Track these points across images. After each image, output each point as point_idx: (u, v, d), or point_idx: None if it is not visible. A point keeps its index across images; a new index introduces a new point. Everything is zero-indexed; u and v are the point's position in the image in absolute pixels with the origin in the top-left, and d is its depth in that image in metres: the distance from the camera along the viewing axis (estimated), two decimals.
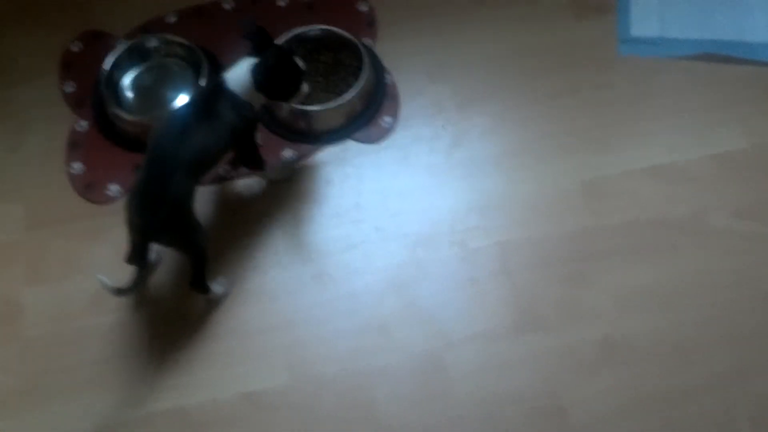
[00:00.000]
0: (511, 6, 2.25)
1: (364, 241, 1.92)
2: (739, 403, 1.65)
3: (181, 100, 2.13)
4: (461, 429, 1.67)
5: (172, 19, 2.30)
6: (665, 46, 2.15)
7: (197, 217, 1.73)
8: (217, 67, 2.17)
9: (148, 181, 1.65)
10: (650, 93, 2.09)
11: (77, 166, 2.09)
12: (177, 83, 2.17)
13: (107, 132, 2.13)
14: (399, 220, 1.95)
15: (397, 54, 2.19)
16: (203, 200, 1.91)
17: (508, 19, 2.23)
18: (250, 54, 1.72)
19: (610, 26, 2.20)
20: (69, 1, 2.35)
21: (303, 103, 2.06)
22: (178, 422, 1.72)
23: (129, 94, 2.18)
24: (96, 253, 1.94)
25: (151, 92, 2.17)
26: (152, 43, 2.19)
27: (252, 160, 1.90)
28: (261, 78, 1.69)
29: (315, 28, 2.15)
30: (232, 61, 1.76)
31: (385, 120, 2.10)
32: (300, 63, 1.76)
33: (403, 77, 2.16)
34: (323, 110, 2.04)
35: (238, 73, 1.71)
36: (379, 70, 2.16)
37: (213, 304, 1.85)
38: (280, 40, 2.11)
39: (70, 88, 2.21)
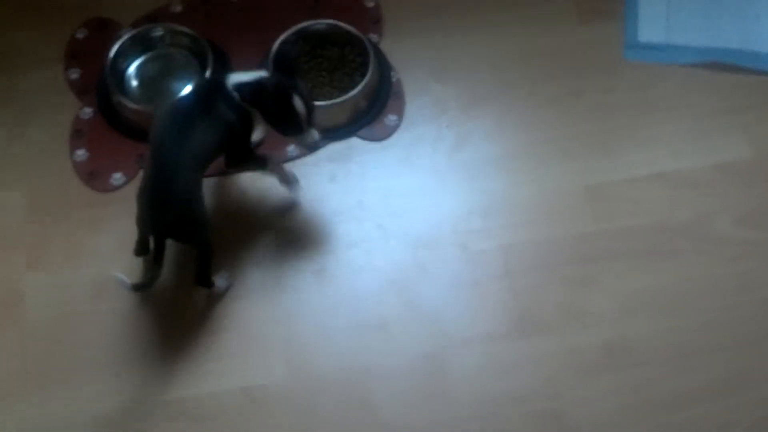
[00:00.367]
0: (517, 9, 2.25)
1: (366, 239, 1.93)
2: (739, 408, 1.66)
3: (186, 90, 2.12)
4: (460, 429, 1.68)
5: (178, 9, 2.29)
6: (671, 53, 2.16)
7: (206, 210, 1.74)
8: (222, 59, 2.18)
9: (156, 179, 1.65)
10: (654, 99, 2.09)
11: (81, 154, 2.08)
12: (181, 73, 2.17)
13: (111, 120, 2.13)
14: (401, 219, 1.95)
15: (402, 52, 2.19)
16: (205, 193, 1.90)
17: (514, 22, 2.23)
18: (264, 68, 1.72)
19: (615, 31, 2.20)
20: None
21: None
22: (176, 413, 1.73)
23: (134, 83, 2.18)
24: (98, 242, 1.94)
25: (156, 81, 2.17)
26: (157, 32, 2.19)
27: (241, 163, 1.87)
28: (248, 94, 1.68)
29: (321, 23, 2.14)
30: (242, 61, 1.75)
31: (390, 118, 2.10)
32: (299, 105, 1.68)
33: (408, 76, 2.16)
34: (328, 106, 2.04)
35: (245, 80, 1.70)
36: (384, 67, 2.16)
37: (213, 297, 1.85)
38: (286, 34, 2.11)
39: (74, 75, 2.21)
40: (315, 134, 1.73)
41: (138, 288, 1.74)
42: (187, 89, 1.99)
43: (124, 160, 2.06)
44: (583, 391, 1.69)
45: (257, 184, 2.00)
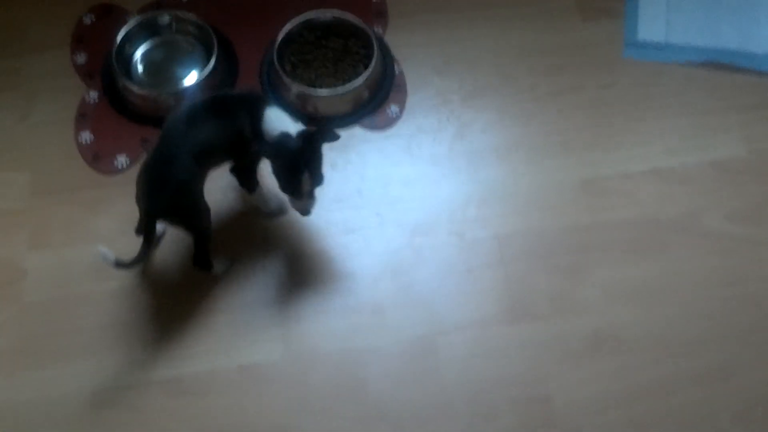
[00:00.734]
0: (520, 6, 2.28)
1: (364, 226, 1.96)
2: (722, 397, 1.70)
3: (191, 77, 2.16)
4: (449, 410, 1.71)
5: None
6: (670, 52, 2.19)
7: (204, 202, 1.76)
8: (227, 47, 2.21)
9: (156, 161, 1.68)
10: (652, 96, 2.13)
11: (86, 137, 2.11)
12: (186, 60, 2.20)
13: (116, 104, 2.16)
14: (399, 207, 1.98)
15: (405, 45, 2.22)
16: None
17: (516, 18, 2.26)
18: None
19: (616, 29, 2.23)
20: None
21: (311, 86, 2.10)
22: (173, 390, 1.76)
23: (139, 68, 2.21)
24: (100, 223, 1.97)
25: (161, 67, 2.21)
26: (164, 19, 2.22)
27: (245, 178, 1.87)
28: (269, 142, 1.65)
29: (326, 14, 2.18)
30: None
31: (392, 109, 2.14)
32: (306, 178, 1.65)
33: (410, 68, 2.19)
34: (331, 95, 2.08)
35: (280, 114, 1.69)
36: (387, 59, 2.20)
37: (213, 279, 1.88)
38: (291, 24, 2.14)
39: (81, 59, 2.24)
40: (310, 205, 1.71)
41: (121, 265, 1.74)
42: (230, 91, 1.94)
43: (128, 144, 2.10)
44: (570, 376, 1.73)
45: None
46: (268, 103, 1.72)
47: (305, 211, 1.72)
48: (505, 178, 2.01)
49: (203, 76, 2.09)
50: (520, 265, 1.87)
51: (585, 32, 2.24)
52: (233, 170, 1.87)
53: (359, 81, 2.07)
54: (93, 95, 2.18)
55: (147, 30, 2.21)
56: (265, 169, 1.78)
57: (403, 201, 1.99)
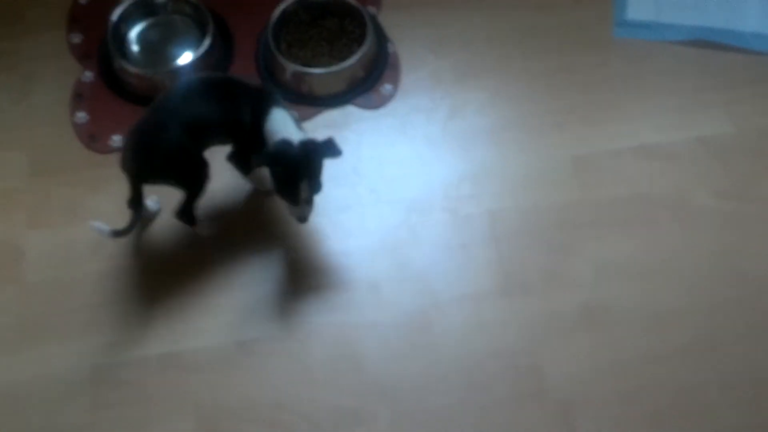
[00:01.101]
0: None
1: (359, 203, 1.99)
2: (709, 369, 1.73)
3: (186, 57, 2.17)
4: (443, 382, 1.75)
5: None
6: (659, 31, 2.22)
7: (196, 166, 1.76)
8: (223, 27, 2.22)
9: (145, 126, 1.70)
10: (642, 75, 2.15)
11: (82, 117, 2.13)
12: (182, 40, 2.21)
13: (112, 84, 2.17)
14: (394, 185, 2.01)
15: (399, 25, 2.24)
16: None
17: None
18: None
19: (606, 9, 2.25)
20: None
21: (306, 66, 2.11)
22: (172, 366, 1.79)
23: (135, 48, 2.22)
24: (98, 202, 1.99)
25: (157, 47, 2.21)
26: None
27: (239, 164, 1.88)
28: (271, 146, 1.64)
29: None
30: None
31: (386, 88, 2.16)
32: (304, 186, 1.63)
33: (404, 48, 2.21)
34: (325, 74, 2.10)
35: (285, 117, 1.68)
36: (381, 39, 2.21)
37: (209, 256, 1.91)
38: (286, 3, 2.16)
39: (76, 39, 2.25)
40: (307, 212, 1.70)
41: (118, 234, 1.77)
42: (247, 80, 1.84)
43: (124, 123, 2.07)
44: (562, 348, 1.76)
45: None
46: (277, 102, 1.71)
47: (302, 218, 1.71)
48: (497, 157, 2.04)
49: (198, 56, 2.11)
50: (512, 241, 1.91)
51: (576, 13, 2.26)
52: (230, 158, 1.87)
53: (353, 59, 2.09)
54: (88, 75, 2.19)
55: (143, 10, 2.22)
56: None
57: (398, 179, 2.02)
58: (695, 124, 2.05)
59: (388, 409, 1.72)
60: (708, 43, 2.17)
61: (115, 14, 2.16)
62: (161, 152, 1.69)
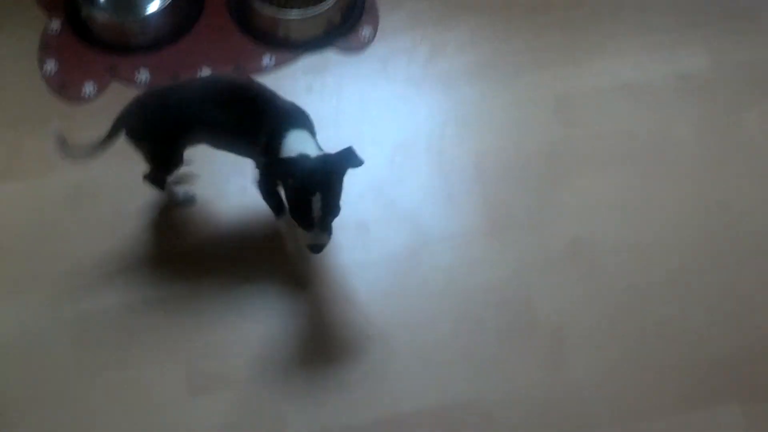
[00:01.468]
0: None
1: (343, 145, 1.94)
2: (693, 296, 1.77)
3: (155, 4, 2.11)
4: (436, 317, 1.75)
5: None
6: None
7: (170, 159, 1.71)
8: None
9: (156, 95, 1.65)
10: (619, 14, 2.16)
11: (50, 66, 2.06)
12: None
13: (80, 32, 2.10)
14: (378, 127, 1.99)
15: None
16: None
17: None
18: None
19: None
20: None
21: (282, 8, 2.07)
22: (156, 309, 1.77)
23: None
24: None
25: None
26: None
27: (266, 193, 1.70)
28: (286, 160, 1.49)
29: None
30: None
31: (365, 31, 2.12)
32: (317, 205, 1.45)
33: None
34: (301, 18, 2.05)
35: (306, 139, 1.53)
36: None
37: (194, 205, 1.88)
38: None
39: None
40: (322, 239, 1.49)
41: (70, 154, 1.65)
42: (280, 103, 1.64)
43: (95, 71, 2.04)
44: (550, 281, 1.78)
45: None
46: (298, 124, 1.54)
47: (315, 247, 1.50)
48: (479, 97, 2.03)
49: (167, 3, 2.05)
50: (498, 179, 1.91)
51: None
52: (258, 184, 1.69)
53: (330, 2, 2.05)
54: (55, 24, 2.12)
55: None
56: None
57: (382, 121, 2.00)
58: (673, 61, 2.07)
59: (379, 345, 1.71)
60: None
61: None
62: (148, 128, 1.63)
